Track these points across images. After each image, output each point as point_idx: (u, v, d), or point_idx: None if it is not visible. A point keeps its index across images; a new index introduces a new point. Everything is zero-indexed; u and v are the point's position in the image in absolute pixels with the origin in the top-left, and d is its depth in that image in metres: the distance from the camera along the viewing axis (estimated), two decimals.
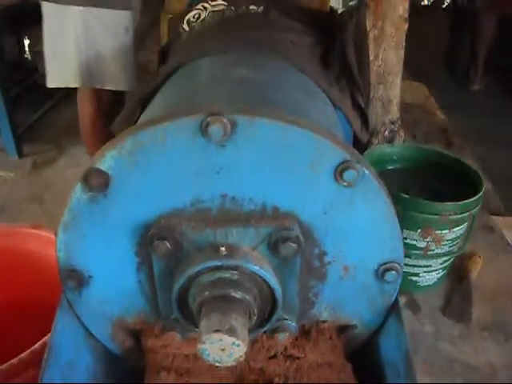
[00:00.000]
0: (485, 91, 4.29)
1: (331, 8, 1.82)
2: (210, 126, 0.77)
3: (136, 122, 1.19)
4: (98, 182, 0.84)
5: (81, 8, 1.82)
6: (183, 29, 1.65)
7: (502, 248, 1.72)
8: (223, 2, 1.63)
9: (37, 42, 4.25)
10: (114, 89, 2.01)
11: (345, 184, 0.83)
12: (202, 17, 1.63)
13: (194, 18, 1.65)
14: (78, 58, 1.89)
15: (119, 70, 1.95)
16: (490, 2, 4.06)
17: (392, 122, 1.88)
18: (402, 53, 1.84)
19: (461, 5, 4.58)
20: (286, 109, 0.96)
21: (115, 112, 2.10)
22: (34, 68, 4.31)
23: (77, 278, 0.94)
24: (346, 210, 0.86)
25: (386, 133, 1.85)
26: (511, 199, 2.67)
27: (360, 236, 0.89)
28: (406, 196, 1.35)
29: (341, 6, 2.69)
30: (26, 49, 4.42)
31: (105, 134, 2.13)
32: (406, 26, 1.79)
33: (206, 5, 1.65)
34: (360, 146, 1.45)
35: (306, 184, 0.83)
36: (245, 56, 1.18)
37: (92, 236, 0.89)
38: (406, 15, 1.76)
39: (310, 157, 0.81)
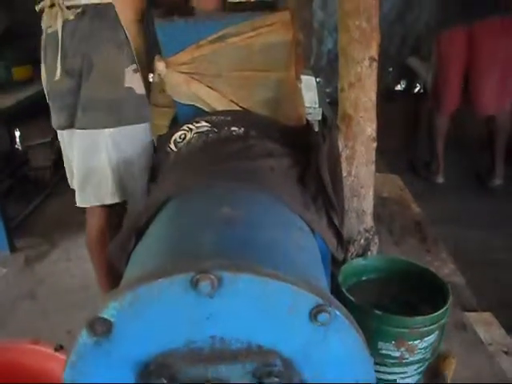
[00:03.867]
0: (451, 179, 4.48)
1: (307, 121, 1.97)
2: (200, 282, 0.89)
3: (131, 252, 1.32)
4: (101, 329, 0.95)
5: (111, 130, 1.95)
6: (170, 149, 1.80)
7: (475, 347, 1.82)
8: (207, 124, 1.78)
9: (28, 135, 4.40)
10: None
11: (319, 324, 0.95)
12: (188, 137, 1.77)
13: (180, 138, 1.79)
14: (112, 176, 2.00)
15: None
16: (438, 104, 4.27)
17: (367, 231, 2.02)
18: (372, 167, 2.00)
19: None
20: (266, 251, 1.08)
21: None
22: (25, 160, 4.43)
23: None
24: (322, 345, 0.97)
25: (362, 241, 1.99)
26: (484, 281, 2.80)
27: (335, 365, 1.00)
28: (379, 313, 1.47)
29: (317, 105, 2.87)
30: (17, 140, 4.55)
31: None
32: (375, 145, 1.96)
33: (190, 126, 1.79)
34: (337, 261, 1.58)
35: (285, 325, 0.95)
36: (227, 191, 1.32)
37: (96, 373, 0.99)
38: (374, 135, 1.93)
39: (288, 303, 0.93)
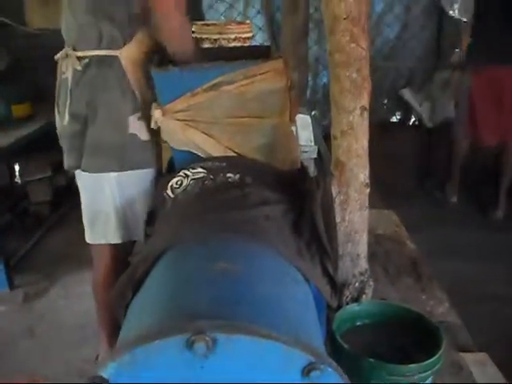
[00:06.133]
0: (459, 204, 4.58)
1: (302, 164, 2.00)
2: (195, 343, 0.92)
3: (129, 302, 1.35)
4: None
5: (115, 174, 2.00)
6: (167, 194, 1.83)
7: None
8: (203, 170, 1.82)
9: (28, 170, 4.44)
10: None
11: (311, 381, 0.97)
12: (184, 184, 1.81)
13: (176, 184, 1.83)
14: (116, 217, 2.06)
15: None
16: (464, 132, 4.51)
17: (361, 274, 2.06)
18: (366, 213, 2.04)
19: (429, 124, 4.95)
20: (260, 307, 1.12)
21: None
22: (24, 194, 4.47)
23: None
24: None
25: (357, 284, 2.03)
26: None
27: None
28: (373, 360, 1.50)
29: (313, 143, 2.91)
30: (17, 174, 4.59)
31: None
32: (368, 190, 2.00)
33: (187, 172, 1.83)
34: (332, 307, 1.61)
35: (279, 382, 0.98)
36: (223, 244, 1.36)
37: None
38: (367, 181, 1.97)
39: (281, 362, 0.96)
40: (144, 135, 2.02)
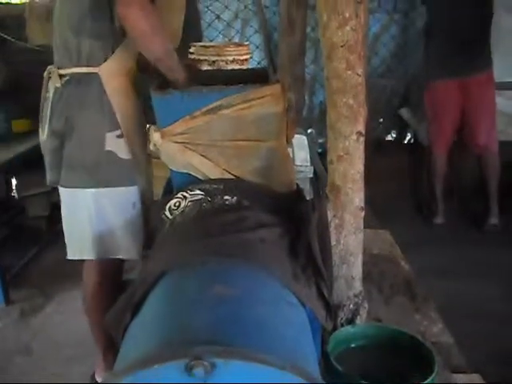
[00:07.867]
0: (447, 224, 4.62)
1: (297, 186, 2.03)
2: (194, 368, 0.95)
3: (127, 324, 1.38)
4: None
5: (92, 190, 2.05)
6: (166, 216, 1.86)
7: None
8: (201, 192, 1.85)
9: (25, 185, 4.45)
10: (126, 258, 2.19)
11: None
12: (182, 205, 1.84)
13: (174, 205, 1.86)
14: (92, 233, 2.09)
15: (129, 241, 2.14)
16: (434, 144, 4.67)
17: (356, 296, 2.09)
18: (360, 235, 2.08)
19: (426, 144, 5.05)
20: (256, 330, 1.15)
21: (118, 283, 2.27)
22: (21, 209, 4.47)
23: None
24: None
25: (351, 306, 2.06)
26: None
27: None
28: (367, 383, 1.53)
29: (309, 163, 2.95)
30: (14, 188, 4.59)
31: (106, 304, 2.25)
32: (363, 214, 2.04)
33: (185, 194, 1.86)
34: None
35: None
36: (220, 268, 1.39)
37: None
38: (362, 204, 2.02)
39: None
40: (123, 153, 2.06)
